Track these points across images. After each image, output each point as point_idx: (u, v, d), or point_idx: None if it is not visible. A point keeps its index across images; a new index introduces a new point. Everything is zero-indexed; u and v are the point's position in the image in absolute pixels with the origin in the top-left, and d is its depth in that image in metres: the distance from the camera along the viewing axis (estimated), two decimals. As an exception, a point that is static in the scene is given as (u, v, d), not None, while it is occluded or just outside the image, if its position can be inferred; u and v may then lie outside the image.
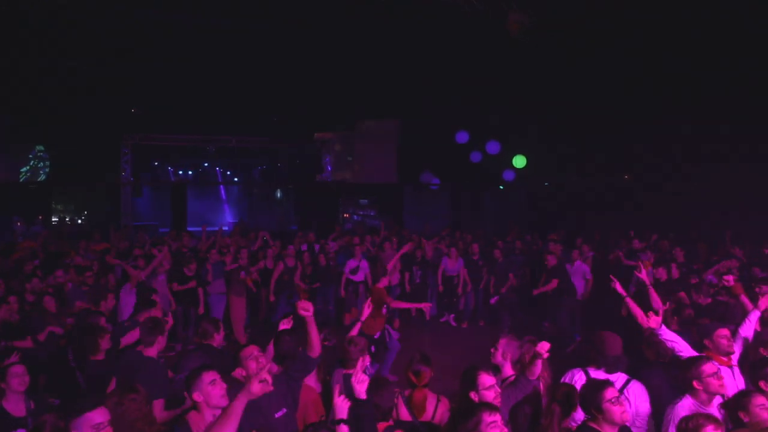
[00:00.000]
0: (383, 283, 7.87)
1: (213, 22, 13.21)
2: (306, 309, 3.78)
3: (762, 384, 3.81)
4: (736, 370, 4.33)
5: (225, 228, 16.76)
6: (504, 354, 4.20)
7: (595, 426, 3.34)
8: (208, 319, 5.62)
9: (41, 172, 17.38)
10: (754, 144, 11.33)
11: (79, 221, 23.69)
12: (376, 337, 7.32)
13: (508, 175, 18.03)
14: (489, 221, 18.38)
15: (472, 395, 3.54)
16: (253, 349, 3.91)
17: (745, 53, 10.44)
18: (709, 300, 6.65)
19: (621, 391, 3.91)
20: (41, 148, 17.06)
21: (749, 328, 4.79)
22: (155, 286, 8.13)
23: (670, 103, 12.75)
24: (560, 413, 3.54)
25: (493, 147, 17.30)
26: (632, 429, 3.73)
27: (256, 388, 2.93)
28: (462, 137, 17.73)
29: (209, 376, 3.38)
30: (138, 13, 12.37)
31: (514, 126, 16.49)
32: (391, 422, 3.58)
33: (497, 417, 3.03)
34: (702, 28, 10.49)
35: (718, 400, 3.75)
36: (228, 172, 26.27)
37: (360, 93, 16.97)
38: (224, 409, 2.95)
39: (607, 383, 3.44)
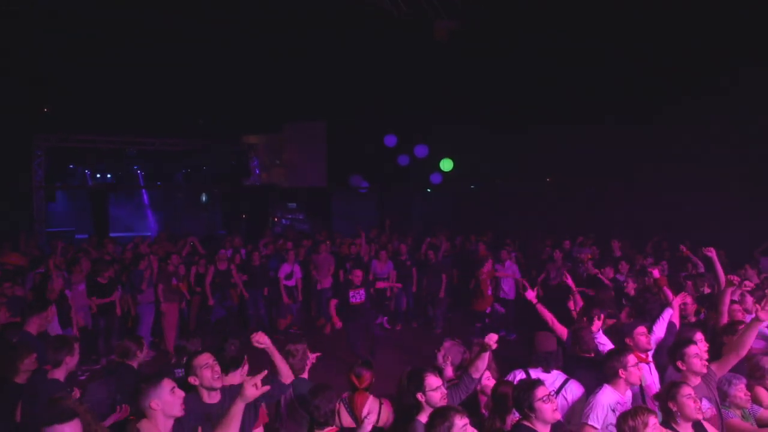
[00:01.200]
0: (487, 267, 9.90)
1: (136, 18, 12.74)
2: (260, 342, 3.61)
3: (679, 364, 4.08)
4: (652, 365, 4.63)
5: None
6: (445, 357, 4.30)
7: (528, 425, 3.45)
8: (131, 336, 5.30)
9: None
10: (674, 144, 12.08)
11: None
12: (487, 311, 10.07)
13: (436, 178, 18.36)
14: (417, 224, 18.62)
15: (419, 396, 3.60)
16: (207, 358, 3.73)
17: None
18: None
19: (559, 390, 4.12)
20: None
21: (662, 326, 5.12)
22: (75, 296, 7.73)
23: (592, 105, 13.38)
24: (497, 412, 3.68)
25: (421, 150, 17.57)
26: (567, 426, 3.91)
27: (251, 392, 2.96)
28: (390, 140, 17.90)
29: (169, 384, 3.28)
30: (56, 5, 11.76)
31: (441, 129, 16.81)
32: (335, 429, 3.57)
33: (467, 420, 3.09)
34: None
35: (629, 393, 4.03)
36: (150, 177, 25.28)
37: (287, 95, 16.85)
38: (224, 416, 2.96)
39: (538, 382, 3.56)
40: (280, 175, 19.89)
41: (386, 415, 4.06)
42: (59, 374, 4.36)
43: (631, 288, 7.19)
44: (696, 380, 3.91)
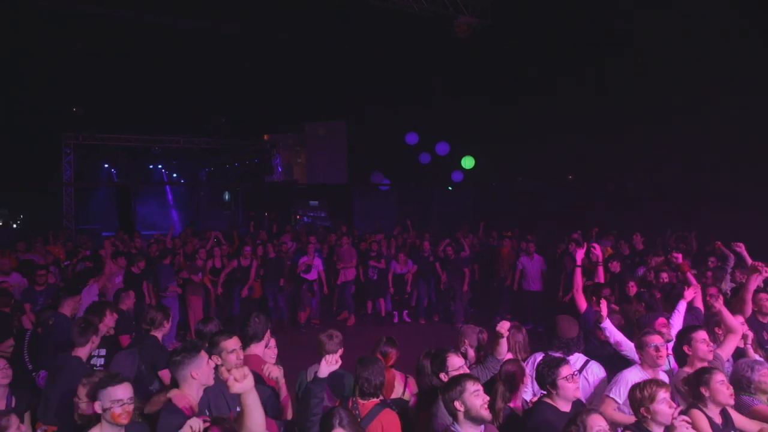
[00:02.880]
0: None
1: (162, 21, 13.00)
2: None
3: (685, 348, 4.15)
4: (672, 357, 4.63)
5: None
6: (463, 340, 4.39)
7: (550, 401, 3.53)
8: (158, 306, 5.43)
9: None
10: (693, 147, 11.97)
11: (14, 225, 22.73)
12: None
13: (457, 176, 18.38)
14: (437, 221, 18.65)
15: (442, 376, 3.68)
16: (235, 343, 3.78)
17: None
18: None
19: (581, 371, 4.18)
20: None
21: (678, 318, 5.11)
22: (111, 288, 7.93)
23: (613, 104, 13.31)
24: (503, 391, 3.74)
25: (442, 148, 17.61)
26: (589, 406, 3.94)
27: (233, 387, 2.84)
28: (412, 138, 17.97)
29: (205, 355, 3.41)
30: (83, 9, 12.05)
31: (462, 127, 16.83)
32: (378, 400, 3.63)
33: (479, 386, 3.16)
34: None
35: (662, 374, 4.06)
36: (174, 175, 25.72)
37: (310, 94, 17.00)
38: (244, 409, 2.92)
39: (563, 361, 3.63)
40: (302, 173, 20.10)
41: (411, 389, 4.19)
42: (82, 353, 4.52)
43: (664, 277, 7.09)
44: (701, 365, 3.93)
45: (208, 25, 13.48)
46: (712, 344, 4.19)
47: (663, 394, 3.25)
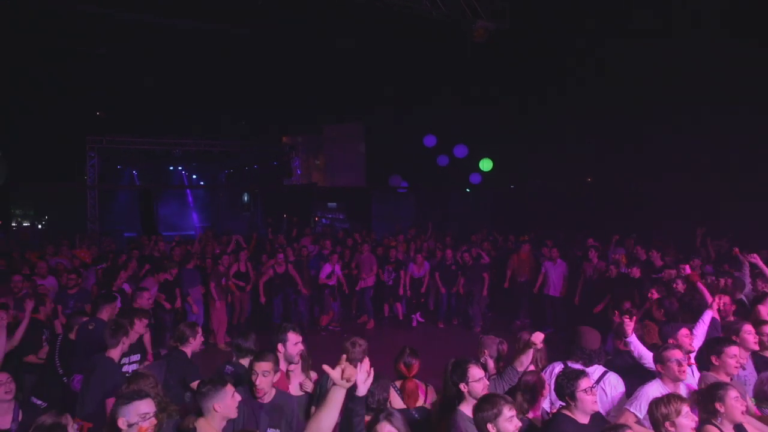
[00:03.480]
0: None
1: (180, 25, 13.21)
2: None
3: (713, 359, 4.17)
4: (695, 367, 4.64)
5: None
6: (483, 350, 4.46)
7: (568, 413, 3.56)
8: (187, 323, 5.58)
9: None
10: (715, 150, 11.89)
11: (39, 226, 23.15)
12: None
13: (475, 178, 18.41)
14: (455, 224, 18.70)
15: (462, 386, 3.73)
16: (267, 366, 3.84)
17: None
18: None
19: (598, 382, 4.20)
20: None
21: (702, 329, 5.13)
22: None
23: (631, 105, 13.26)
24: (521, 402, 3.80)
25: (460, 150, 17.65)
26: (607, 418, 4.00)
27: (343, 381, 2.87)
28: (430, 141, 18.04)
29: (230, 389, 3.53)
30: (106, 14, 12.29)
31: (480, 130, 16.85)
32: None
33: (514, 412, 3.19)
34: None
35: (682, 388, 4.08)
36: (194, 177, 26.05)
37: (328, 97, 17.13)
38: (326, 401, 2.92)
39: (582, 373, 3.65)
40: (320, 175, 20.25)
41: (432, 398, 4.28)
42: (114, 354, 4.70)
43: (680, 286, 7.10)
44: (726, 379, 3.95)
45: (227, 29, 13.66)
46: (741, 360, 4.20)
47: (686, 409, 3.28)
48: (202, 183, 25.53)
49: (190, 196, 25.84)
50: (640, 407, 3.81)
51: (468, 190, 19.77)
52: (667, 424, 3.27)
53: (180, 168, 24.67)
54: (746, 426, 3.67)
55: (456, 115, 16.82)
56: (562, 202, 16.77)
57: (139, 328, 5.37)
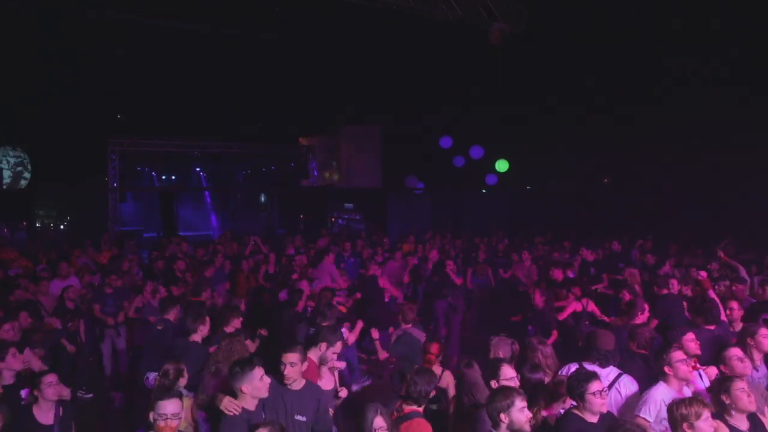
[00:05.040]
0: None
1: (198, 28, 13.42)
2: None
3: (722, 368, 4.26)
4: (703, 371, 4.66)
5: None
6: (495, 352, 4.59)
7: (578, 413, 3.67)
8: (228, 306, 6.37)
9: (22, 178, 17.23)
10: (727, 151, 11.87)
11: (62, 227, 23.57)
12: None
13: (491, 179, 18.45)
14: (471, 225, 18.75)
15: (492, 383, 3.91)
16: (293, 357, 4.04)
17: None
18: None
19: (612, 384, 4.29)
20: (21, 153, 16.91)
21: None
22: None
23: (646, 108, 13.26)
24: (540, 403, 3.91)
25: (476, 152, 17.70)
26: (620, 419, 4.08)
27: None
28: (446, 142, 18.11)
29: (259, 371, 3.70)
30: (125, 18, 12.54)
31: (497, 131, 16.90)
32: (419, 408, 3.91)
33: (525, 403, 3.37)
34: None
35: (687, 390, 4.15)
36: (212, 177, 26.32)
37: (344, 98, 17.23)
38: None
39: (594, 376, 3.73)
40: (337, 176, 20.41)
41: (448, 379, 4.67)
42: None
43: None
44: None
45: (246, 32, 13.86)
46: (746, 359, 4.27)
47: (707, 414, 3.34)
48: (219, 184, 25.80)
49: (209, 197, 26.13)
50: (648, 411, 3.88)
51: (484, 191, 19.81)
52: (685, 425, 3.31)
53: (198, 169, 24.97)
54: (760, 417, 3.75)
55: (472, 117, 16.88)
56: (578, 204, 16.77)
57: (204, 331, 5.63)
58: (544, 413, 4.01)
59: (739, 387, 3.65)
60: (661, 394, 3.93)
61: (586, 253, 10.86)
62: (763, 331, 4.76)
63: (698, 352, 4.77)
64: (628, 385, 4.28)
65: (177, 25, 13.17)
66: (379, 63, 15.03)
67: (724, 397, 3.66)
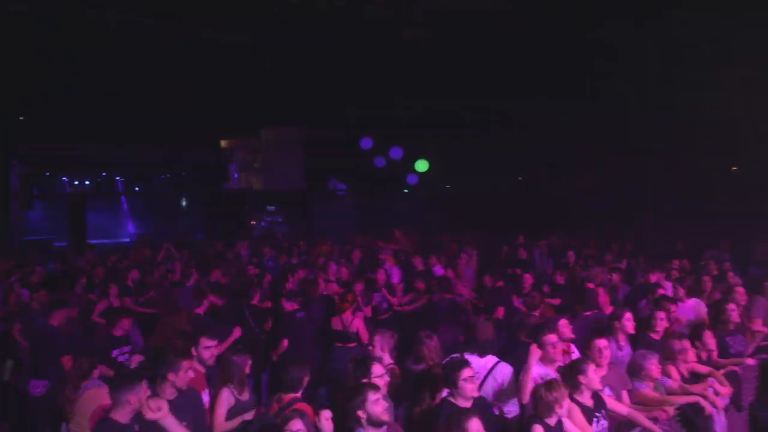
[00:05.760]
0: None
1: (113, 23, 12.85)
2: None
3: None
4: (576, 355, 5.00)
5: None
6: (382, 347, 4.69)
7: (452, 400, 3.83)
8: None
9: None
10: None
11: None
12: None
13: (412, 179, 18.68)
14: (395, 224, 18.91)
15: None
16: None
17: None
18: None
19: (490, 371, 4.55)
20: None
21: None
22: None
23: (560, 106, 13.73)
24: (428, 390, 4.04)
25: (396, 152, 17.87)
26: (498, 403, 4.41)
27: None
28: (366, 143, 18.19)
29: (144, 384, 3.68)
30: (28, 15, 11.89)
31: (416, 131, 17.11)
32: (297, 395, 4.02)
33: (380, 395, 3.44)
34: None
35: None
36: (129, 183, 25.28)
37: (265, 99, 16.99)
38: None
39: (465, 363, 3.94)
40: (258, 178, 20.13)
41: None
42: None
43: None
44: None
45: (166, 27, 13.35)
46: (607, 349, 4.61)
47: (565, 394, 3.61)
48: (137, 189, 24.82)
49: (125, 202, 25.11)
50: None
51: (406, 191, 20.04)
52: (556, 406, 3.56)
53: (114, 174, 23.91)
54: (603, 395, 4.11)
55: (392, 117, 17.01)
56: (497, 201, 17.25)
57: None
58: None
59: (592, 369, 3.97)
60: (536, 373, 4.27)
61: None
62: (627, 315, 5.25)
63: (572, 336, 5.12)
64: (503, 371, 4.55)
65: (89, 18, 12.53)
66: (300, 63, 14.91)
67: (581, 378, 3.93)
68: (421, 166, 17.95)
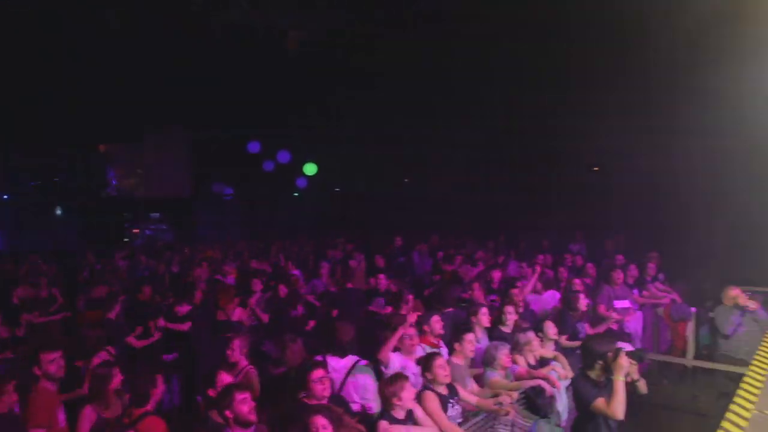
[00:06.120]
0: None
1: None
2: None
3: (456, 345, 4.95)
4: (444, 350, 5.34)
5: None
6: (241, 351, 4.84)
7: (306, 400, 3.99)
8: None
9: None
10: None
11: None
12: None
13: (301, 183, 18.70)
14: (285, 228, 18.85)
15: (210, 392, 4.11)
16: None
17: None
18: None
19: (350, 371, 4.76)
20: None
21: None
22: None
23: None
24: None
25: (283, 156, 17.82)
26: (362, 400, 4.61)
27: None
28: (254, 147, 17.99)
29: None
30: None
31: (303, 135, 17.14)
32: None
33: (247, 395, 3.57)
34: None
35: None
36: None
37: (148, 102, 16.33)
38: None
39: (317, 364, 4.11)
40: (140, 185, 19.30)
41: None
42: None
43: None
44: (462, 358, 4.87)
45: (36, 25, 12.43)
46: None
47: (409, 385, 3.84)
48: (5, 197, 22.91)
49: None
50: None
51: (296, 194, 20.00)
52: (395, 399, 3.79)
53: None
54: (457, 386, 4.43)
55: (280, 121, 16.94)
56: (384, 204, 17.60)
57: None
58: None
59: (439, 364, 4.24)
60: (397, 363, 4.66)
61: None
62: (483, 309, 5.68)
63: (441, 331, 5.43)
64: (362, 370, 4.78)
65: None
66: (185, 67, 14.46)
67: (427, 374, 4.23)
68: (310, 169, 18.01)
